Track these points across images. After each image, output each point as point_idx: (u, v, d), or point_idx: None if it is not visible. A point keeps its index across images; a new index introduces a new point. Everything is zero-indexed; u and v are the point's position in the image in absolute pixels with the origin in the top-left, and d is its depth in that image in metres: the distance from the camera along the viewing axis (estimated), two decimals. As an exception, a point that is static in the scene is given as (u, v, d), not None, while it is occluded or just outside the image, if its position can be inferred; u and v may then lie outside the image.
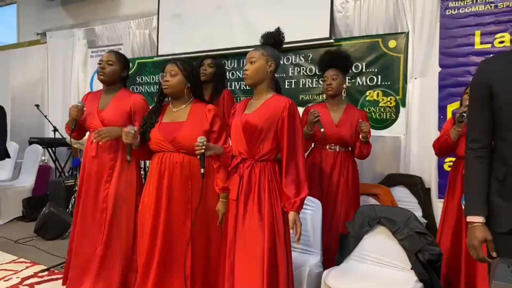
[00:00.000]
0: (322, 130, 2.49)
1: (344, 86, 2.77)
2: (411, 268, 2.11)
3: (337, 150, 2.69)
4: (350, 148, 2.74)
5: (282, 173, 1.89)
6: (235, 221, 1.96)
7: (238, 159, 1.99)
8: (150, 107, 2.32)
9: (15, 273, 3.13)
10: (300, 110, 2.42)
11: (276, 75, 3.91)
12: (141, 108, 2.45)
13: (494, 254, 1.39)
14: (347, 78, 2.92)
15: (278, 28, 2.05)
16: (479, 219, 1.41)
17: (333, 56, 2.79)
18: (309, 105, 3.58)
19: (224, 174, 2.09)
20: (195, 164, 2.06)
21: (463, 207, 2.38)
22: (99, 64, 2.47)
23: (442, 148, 2.58)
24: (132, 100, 2.47)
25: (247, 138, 1.93)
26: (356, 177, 2.74)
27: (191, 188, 2.08)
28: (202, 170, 1.94)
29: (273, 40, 2.02)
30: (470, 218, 1.43)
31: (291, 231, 1.84)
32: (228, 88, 3.84)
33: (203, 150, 1.90)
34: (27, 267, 3.25)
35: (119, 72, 2.50)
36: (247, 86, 4.15)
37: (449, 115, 3.22)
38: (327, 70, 2.75)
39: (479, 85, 1.45)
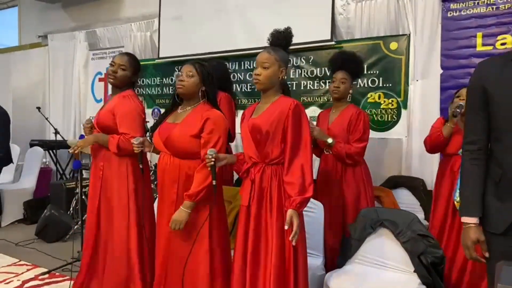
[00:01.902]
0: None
1: (351, 91, 2.74)
2: (414, 271, 2.10)
3: (331, 153, 2.68)
4: None
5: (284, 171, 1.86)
6: (246, 227, 1.92)
7: (249, 163, 1.96)
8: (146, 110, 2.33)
9: (16, 276, 3.12)
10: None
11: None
12: (121, 110, 2.34)
13: (486, 255, 1.42)
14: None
15: (288, 28, 1.99)
16: (472, 220, 1.43)
17: (346, 59, 2.75)
18: (313, 107, 3.61)
19: (198, 179, 1.96)
20: (184, 167, 2.04)
21: (455, 202, 2.40)
22: (111, 66, 2.41)
23: (434, 144, 2.63)
24: (117, 102, 2.38)
25: (255, 141, 1.91)
26: (358, 179, 2.65)
27: (176, 192, 2.04)
28: (214, 182, 1.90)
29: (284, 42, 1.97)
30: (464, 219, 1.46)
31: (286, 227, 1.77)
32: (227, 91, 3.83)
33: (212, 162, 1.87)
34: (28, 270, 3.25)
35: (130, 77, 2.46)
36: (249, 89, 4.20)
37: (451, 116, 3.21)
38: (337, 71, 2.71)
39: (475, 88, 1.46)
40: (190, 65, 2.09)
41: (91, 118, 2.47)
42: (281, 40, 1.97)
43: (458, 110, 2.46)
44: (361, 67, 2.81)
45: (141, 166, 2.24)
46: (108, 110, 2.39)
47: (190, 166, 2.02)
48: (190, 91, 2.07)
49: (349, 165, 2.64)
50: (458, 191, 2.42)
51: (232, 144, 3.41)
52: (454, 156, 2.54)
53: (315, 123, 2.69)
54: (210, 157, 1.87)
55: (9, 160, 4.15)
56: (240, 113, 3.58)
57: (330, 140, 2.56)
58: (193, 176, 1.99)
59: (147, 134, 2.33)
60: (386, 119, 3.49)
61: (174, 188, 2.05)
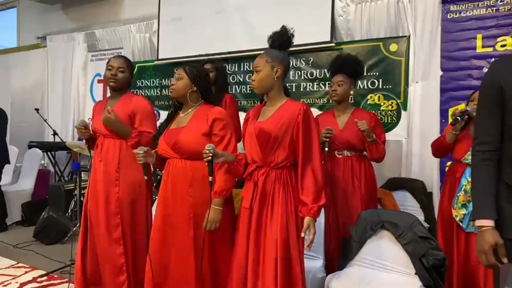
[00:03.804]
0: (326, 149, 2.52)
1: (351, 92, 2.71)
2: (415, 273, 2.09)
3: (345, 155, 2.66)
4: (364, 153, 2.68)
5: (298, 179, 1.85)
6: (248, 230, 1.90)
7: (253, 166, 1.95)
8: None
9: (14, 278, 3.10)
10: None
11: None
12: (142, 109, 2.40)
13: (505, 260, 1.32)
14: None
15: (284, 27, 1.97)
16: (489, 223, 1.35)
17: (342, 61, 2.75)
18: (313, 109, 3.60)
19: (223, 177, 1.99)
20: (198, 169, 2.02)
21: (452, 210, 2.38)
22: (110, 69, 2.41)
23: (438, 149, 2.60)
24: (134, 102, 2.43)
25: (261, 145, 1.90)
26: (369, 181, 2.65)
27: (193, 195, 2.03)
28: (210, 178, 1.87)
29: (277, 43, 1.95)
30: (479, 222, 1.37)
31: (302, 234, 1.77)
32: (229, 92, 3.84)
33: (210, 157, 1.85)
34: (26, 272, 3.23)
35: (129, 78, 2.49)
36: (249, 90, 4.19)
37: (450, 118, 3.21)
38: (335, 74, 2.72)
39: (489, 86, 1.40)
40: (180, 69, 2.13)
41: (86, 120, 2.45)
42: (275, 41, 1.96)
43: (458, 118, 2.39)
44: (359, 68, 2.79)
45: (146, 178, 2.20)
46: (124, 112, 2.39)
47: (204, 167, 1.97)
48: (181, 93, 2.09)
49: (367, 166, 2.67)
50: (457, 198, 2.40)
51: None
52: (458, 162, 2.50)
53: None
54: (207, 151, 1.84)
55: (6, 160, 4.13)
56: (240, 115, 3.57)
57: (374, 137, 2.55)
58: (207, 176, 1.93)
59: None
60: (386, 121, 3.49)
61: (190, 192, 2.03)
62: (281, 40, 1.95)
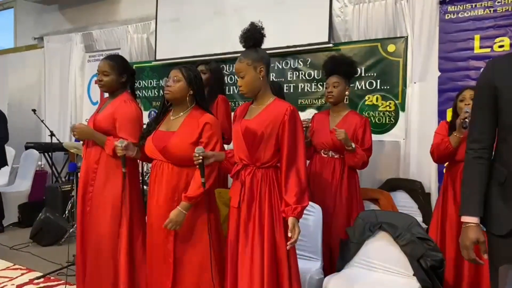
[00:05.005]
0: (308, 140, 2.55)
1: (347, 93, 2.72)
2: (413, 275, 2.08)
3: (330, 156, 2.69)
4: None
5: (282, 179, 1.86)
6: (237, 229, 1.92)
7: (240, 165, 1.95)
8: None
9: (10, 280, 3.08)
10: (300, 114, 2.40)
11: (275, 79, 3.87)
12: (121, 116, 2.32)
13: (485, 256, 1.39)
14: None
15: (252, 24, 1.92)
16: (473, 220, 1.41)
17: (336, 62, 2.76)
18: (311, 109, 3.59)
19: (197, 183, 1.93)
20: (184, 175, 2.01)
21: None
22: (97, 73, 2.42)
23: (442, 155, 2.52)
24: (116, 107, 2.36)
25: (247, 144, 1.90)
26: (351, 184, 2.66)
27: (177, 201, 1.99)
28: (202, 180, 1.87)
29: (252, 42, 1.91)
30: (464, 218, 1.43)
31: (289, 234, 1.78)
32: (227, 93, 3.83)
33: (200, 160, 1.85)
34: (22, 274, 3.21)
35: (117, 80, 2.41)
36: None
37: (448, 119, 3.20)
38: (330, 76, 2.73)
39: (484, 85, 1.43)
40: (177, 70, 2.09)
41: (83, 121, 2.45)
42: (249, 42, 1.92)
43: (467, 120, 2.35)
44: (353, 68, 2.79)
45: (124, 171, 2.18)
46: (109, 114, 2.36)
47: (189, 173, 1.99)
48: (177, 96, 2.06)
49: (350, 169, 2.66)
50: None
51: (227, 147, 3.39)
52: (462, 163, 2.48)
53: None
54: (197, 155, 1.85)
55: (4, 162, 4.10)
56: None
57: (353, 145, 2.55)
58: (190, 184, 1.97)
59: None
60: (383, 122, 3.49)
61: (175, 197, 2.00)
62: (255, 37, 1.92)
